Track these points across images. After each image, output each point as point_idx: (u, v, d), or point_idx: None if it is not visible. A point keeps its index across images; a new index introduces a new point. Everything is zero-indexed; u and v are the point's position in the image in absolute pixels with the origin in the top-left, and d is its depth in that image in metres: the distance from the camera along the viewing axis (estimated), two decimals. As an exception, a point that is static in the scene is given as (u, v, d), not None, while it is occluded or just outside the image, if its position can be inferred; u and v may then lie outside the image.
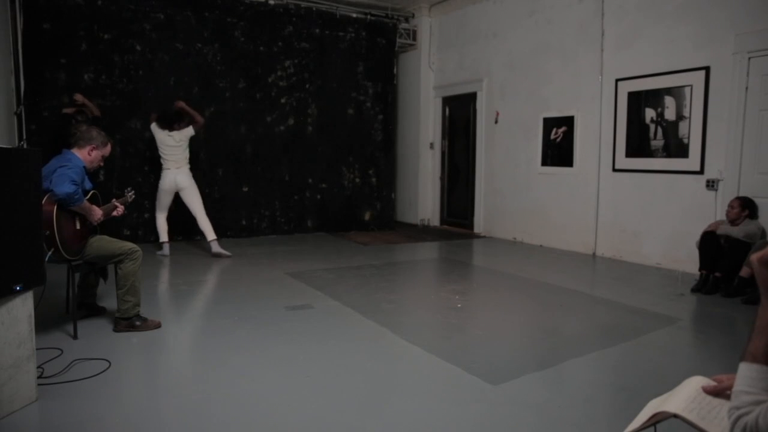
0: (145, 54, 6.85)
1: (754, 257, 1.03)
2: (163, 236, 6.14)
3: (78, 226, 3.33)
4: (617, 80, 6.12)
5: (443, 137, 8.99)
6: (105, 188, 6.28)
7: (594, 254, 6.48)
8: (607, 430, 2.35)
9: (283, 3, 7.66)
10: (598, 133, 6.40)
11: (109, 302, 3.88)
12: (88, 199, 3.41)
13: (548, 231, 7.08)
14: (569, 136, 6.76)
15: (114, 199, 3.71)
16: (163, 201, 6.09)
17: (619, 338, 3.52)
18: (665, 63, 5.63)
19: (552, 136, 6.97)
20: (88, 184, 3.49)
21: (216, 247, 6.07)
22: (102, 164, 3.59)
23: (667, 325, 3.83)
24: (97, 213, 3.41)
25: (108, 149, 3.56)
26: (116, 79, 6.72)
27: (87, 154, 3.43)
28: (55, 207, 3.11)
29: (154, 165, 7.04)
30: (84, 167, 3.40)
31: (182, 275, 5.24)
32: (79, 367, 2.90)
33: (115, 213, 3.64)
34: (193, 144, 7.23)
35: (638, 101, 5.94)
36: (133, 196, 3.94)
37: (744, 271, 4.46)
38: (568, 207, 6.80)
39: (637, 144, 5.98)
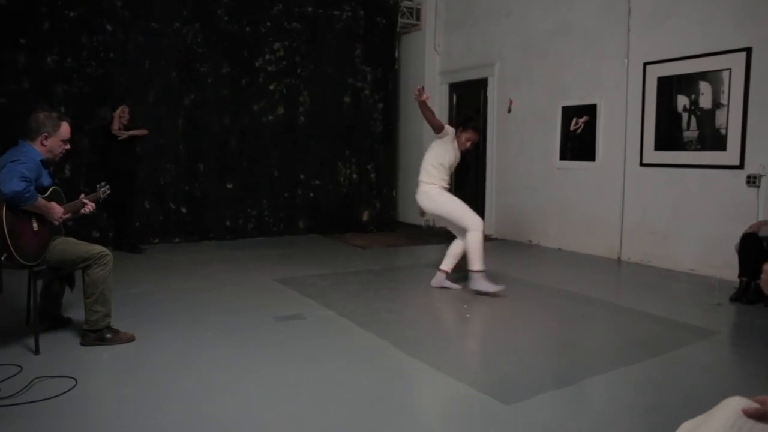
0: (117, 34, 6.84)
1: None
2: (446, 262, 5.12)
3: (36, 227, 3.29)
4: (645, 64, 6.10)
5: (450, 128, 8.98)
6: (71, 185, 6.27)
7: (619, 259, 6.47)
8: (634, 457, 2.33)
9: (271, -22, 7.66)
10: (623, 124, 6.39)
11: (76, 313, 3.85)
12: (48, 196, 3.37)
13: (568, 233, 7.06)
14: (591, 126, 6.74)
15: (82, 195, 3.67)
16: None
17: (648, 353, 3.50)
18: (700, 44, 5.61)
19: (572, 127, 6.96)
20: (46, 180, 3.44)
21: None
22: (67, 148, 3.49)
23: (702, 338, 3.81)
24: (57, 211, 3.37)
25: (65, 130, 3.44)
26: (84, 62, 6.70)
27: (41, 145, 3.37)
28: (5, 207, 3.07)
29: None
30: (42, 161, 3.36)
31: (159, 282, 5.22)
32: (41, 385, 2.88)
33: (84, 211, 3.59)
34: (174, 136, 7.25)
35: (669, 87, 5.92)
36: (108, 192, 3.88)
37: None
38: (590, 206, 6.79)
39: (668, 135, 5.97)
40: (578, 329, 4.08)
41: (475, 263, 4.76)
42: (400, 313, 4.36)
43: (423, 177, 4.96)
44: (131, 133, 6.49)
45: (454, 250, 5.04)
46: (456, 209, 4.86)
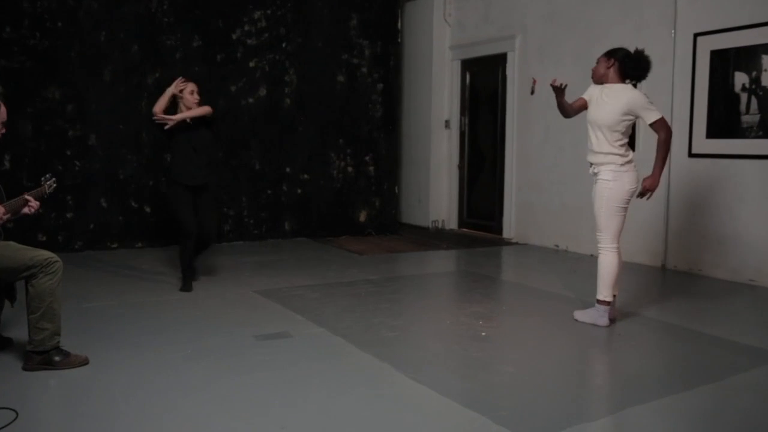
0: (66, 0, 6.83)
1: None
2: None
3: (-31, 230, 3.30)
4: (696, 35, 6.10)
5: (462, 113, 9.00)
6: (12, 179, 6.26)
7: (663, 266, 6.46)
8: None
9: (251, -66, 7.66)
10: (669, 107, 6.38)
11: (18, 332, 3.84)
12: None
13: (603, 236, 7.04)
14: (631, 110, 6.73)
15: (25, 193, 3.67)
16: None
17: (699, 379, 3.49)
18: (764, 10, 5.60)
19: (608, 111, 6.95)
20: None
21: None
22: (3, 132, 3.52)
23: (764, 362, 3.80)
24: (-3, 210, 3.38)
25: (1, 111, 3.48)
26: (26, 32, 6.70)
27: None
28: None
29: (78, 148, 7.02)
30: None
31: (118, 295, 5.21)
32: (-24, 417, 2.86)
33: (26, 210, 3.59)
34: (135, 122, 7.22)
35: (725, 63, 5.91)
36: (54, 185, 3.89)
37: None
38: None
39: (723, 120, 5.96)
40: (615, 351, 4.07)
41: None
42: (404, 331, 4.36)
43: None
44: (192, 113, 5.24)
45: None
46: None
